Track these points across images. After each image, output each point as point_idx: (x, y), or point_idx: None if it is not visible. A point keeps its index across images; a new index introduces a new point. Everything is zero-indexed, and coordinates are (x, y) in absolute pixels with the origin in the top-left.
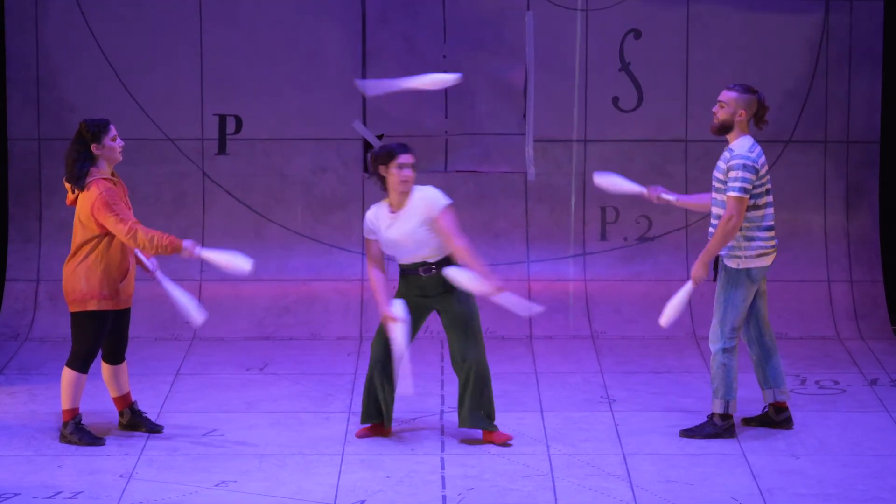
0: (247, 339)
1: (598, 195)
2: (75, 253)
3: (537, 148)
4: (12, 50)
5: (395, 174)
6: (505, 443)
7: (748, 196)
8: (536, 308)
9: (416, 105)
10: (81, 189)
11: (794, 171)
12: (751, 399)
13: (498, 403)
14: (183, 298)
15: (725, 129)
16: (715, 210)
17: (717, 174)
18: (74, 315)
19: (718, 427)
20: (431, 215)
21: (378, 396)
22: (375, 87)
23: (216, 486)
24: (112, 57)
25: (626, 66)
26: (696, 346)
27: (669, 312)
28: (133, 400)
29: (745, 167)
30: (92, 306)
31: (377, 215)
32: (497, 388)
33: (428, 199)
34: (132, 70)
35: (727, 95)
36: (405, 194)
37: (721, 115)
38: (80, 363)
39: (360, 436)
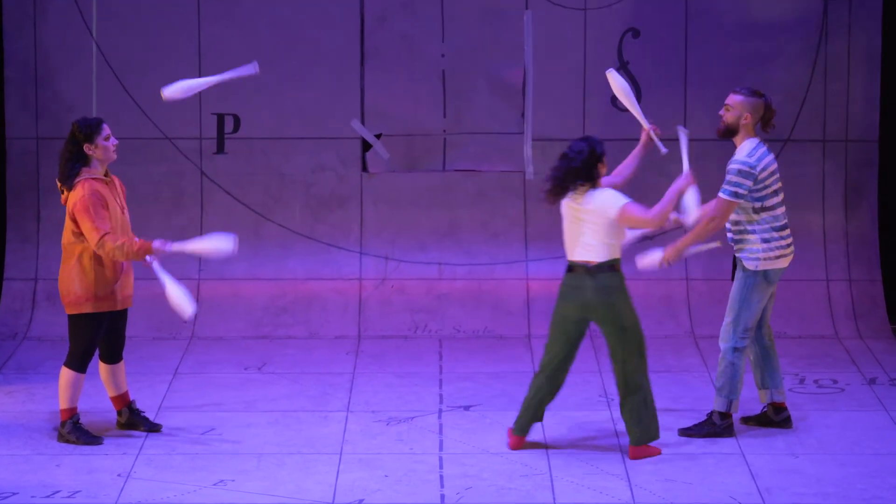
0: (245, 338)
1: None
2: (68, 254)
3: (536, 147)
4: (11, 50)
5: None
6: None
7: (738, 200)
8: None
9: (415, 104)
10: (70, 189)
11: (793, 171)
12: (752, 398)
13: (496, 403)
14: (174, 289)
15: (731, 132)
16: (732, 216)
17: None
18: (70, 317)
19: (717, 426)
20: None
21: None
22: (179, 89)
23: (214, 485)
24: (110, 56)
25: (624, 65)
26: (694, 345)
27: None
28: (131, 399)
29: (739, 172)
30: (87, 309)
31: None
32: (496, 387)
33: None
34: (130, 69)
35: (733, 99)
36: None
37: (727, 118)
38: (78, 363)
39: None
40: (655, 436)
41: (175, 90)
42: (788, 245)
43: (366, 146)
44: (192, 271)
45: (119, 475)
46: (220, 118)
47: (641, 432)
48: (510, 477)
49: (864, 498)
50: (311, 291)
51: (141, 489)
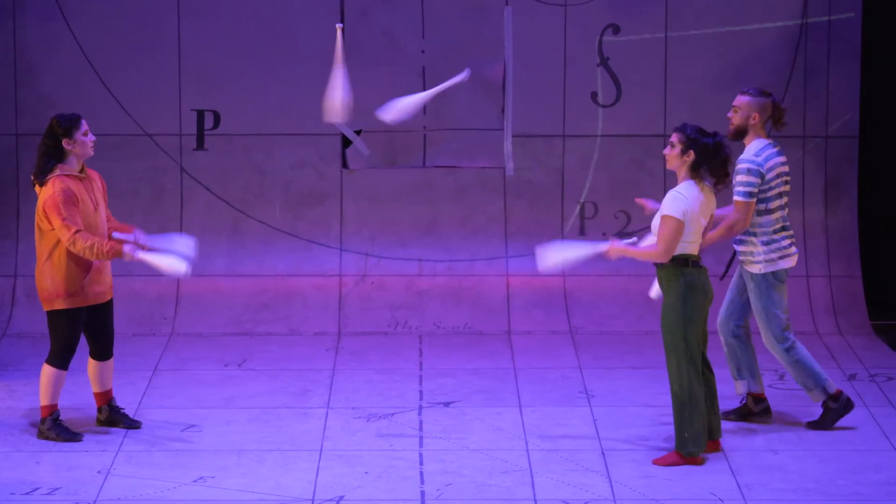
0: (225, 334)
1: (577, 190)
2: (39, 251)
3: (516, 143)
4: None
5: None
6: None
7: (754, 200)
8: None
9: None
10: (42, 185)
11: None
12: (733, 395)
13: (477, 399)
14: (161, 259)
15: (741, 133)
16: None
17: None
18: (47, 313)
19: (836, 409)
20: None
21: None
22: (398, 110)
23: (194, 481)
24: (90, 53)
25: (604, 61)
26: None
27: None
28: (112, 396)
29: (748, 171)
30: (59, 305)
31: None
32: (476, 383)
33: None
34: (110, 66)
35: (740, 100)
36: None
37: (735, 120)
38: (59, 360)
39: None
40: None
41: (395, 111)
42: (790, 245)
43: (346, 142)
44: None
45: (99, 472)
46: (200, 114)
47: (678, 436)
48: (490, 473)
49: (845, 494)
50: (292, 288)
51: (121, 486)
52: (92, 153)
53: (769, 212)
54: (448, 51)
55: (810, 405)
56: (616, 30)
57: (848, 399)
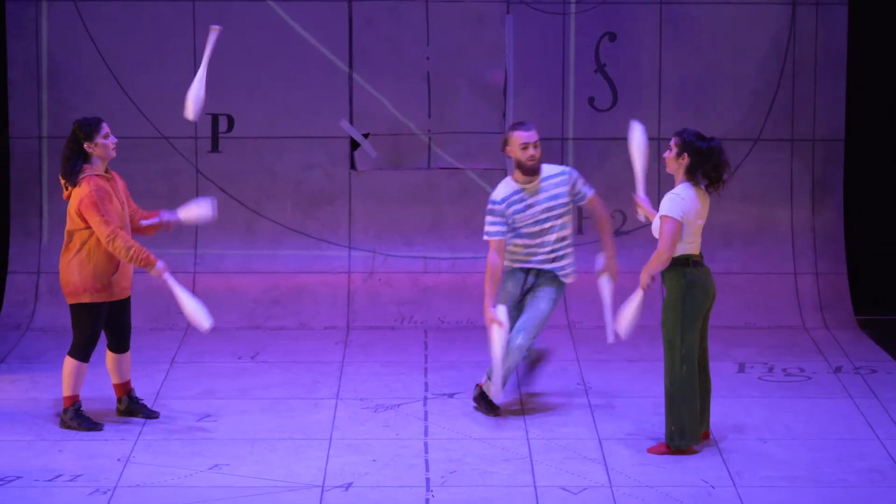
0: (239, 329)
1: None
2: (68, 246)
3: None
4: (14, 52)
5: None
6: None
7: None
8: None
9: (401, 105)
10: (74, 185)
11: (763, 168)
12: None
13: None
14: (191, 303)
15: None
16: (562, 233)
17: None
18: (71, 307)
19: (482, 403)
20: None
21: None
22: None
23: (210, 469)
24: (109, 58)
25: (601, 67)
26: None
27: (625, 322)
28: (131, 387)
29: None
30: (85, 299)
31: None
32: (478, 375)
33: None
34: (128, 71)
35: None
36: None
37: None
38: (81, 352)
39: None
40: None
41: (192, 106)
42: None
43: (354, 145)
44: (189, 265)
45: (118, 460)
46: (215, 118)
47: (667, 428)
48: (492, 461)
49: (831, 481)
50: (302, 284)
51: (139, 473)
52: (114, 154)
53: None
54: (451, 58)
55: (799, 396)
56: (612, 37)
57: (492, 405)
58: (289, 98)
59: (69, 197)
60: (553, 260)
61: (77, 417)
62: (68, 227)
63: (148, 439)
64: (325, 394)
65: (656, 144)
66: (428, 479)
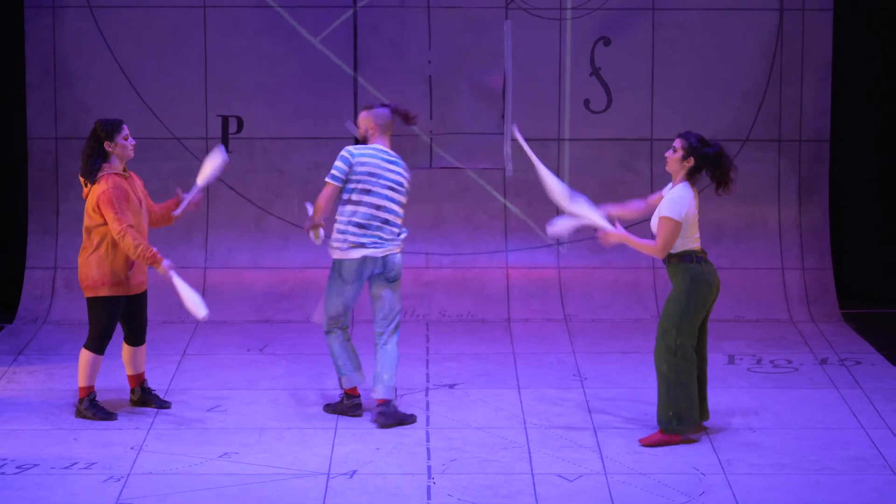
0: (248, 322)
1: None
2: (87, 242)
3: (515, 146)
4: (32, 56)
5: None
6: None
7: (332, 182)
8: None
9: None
10: (93, 183)
11: (751, 168)
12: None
13: (479, 381)
14: (189, 293)
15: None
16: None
17: None
18: (88, 300)
19: (340, 406)
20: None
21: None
22: (565, 227)
23: (220, 457)
24: (123, 62)
25: (596, 71)
26: None
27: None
28: (144, 378)
29: (340, 157)
30: (103, 292)
31: None
32: (478, 367)
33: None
34: (142, 74)
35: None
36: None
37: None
38: (96, 345)
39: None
40: (667, 426)
41: (562, 227)
42: (361, 244)
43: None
44: (199, 261)
45: (132, 448)
46: (225, 120)
47: (663, 414)
48: (491, 450)
49: (816, 468)
50: (309, 279)
51: (152, 461)
52: (132, 155)
53: (350, 202)
54: (452, 61)
55: (787, 387)
56: (607, 42)
57: (355, 406)
58: (296, 101)
59: (88, 195)
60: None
61: (92, 407)
62: (86, 223)
63: (160, 428)
64: (330, 385)
65: (649, 145)
66: (429, 467)
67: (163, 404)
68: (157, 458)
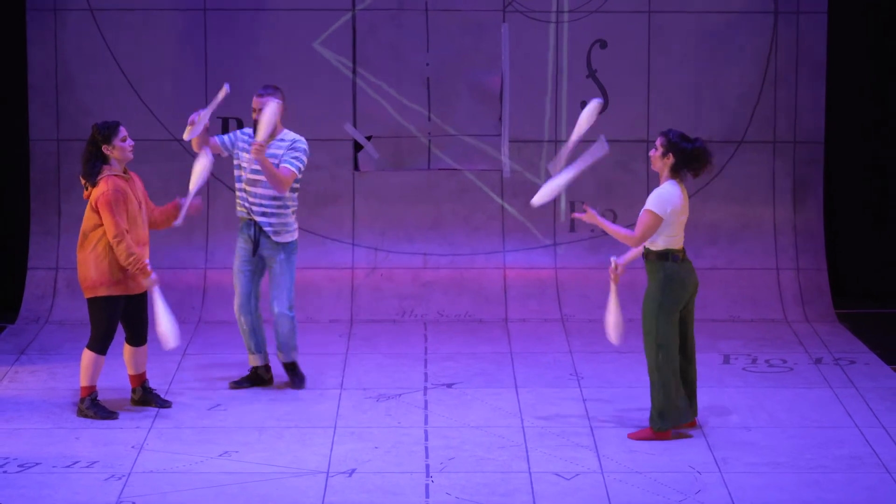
0: None
1: (568, 191)
2: (84, 243)
3: (512, 148)
4: (33, 58)
5: None
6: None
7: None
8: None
9: (402, 109)
10: (94, 185)
11: (746, 169)
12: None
13: (477, 381)
14: (165, 320)
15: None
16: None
17: None
18: (88, 301)
19: (249, 378)
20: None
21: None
22: (547, 193)
23: (220, 456)
24: (124, 65)
25: (592, 73)
26: None
27: (613, 328)
28: (145, 378)
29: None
30: (102, 292)
31: None
32: (476, 367)
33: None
34: (142, 77)
35: None
36: None
37: None
38: (99, 346)
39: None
40: (654, 423)
41: (544, 195)
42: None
43: (357, 147)
44: (200, 261)
45: (133, 447)
46: (225, 121)
47: (652, 414)
48: (489, 448)
49: (811, 467)
50: (308, 279)
51: (153, 460)
52: (131, 157)
53: (296, 190)
54: (450, 64)
55: (782, 386)
56: (603, 44)
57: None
58: (295, 102)
59: (89, 196)
60: (262, 214)
61: (93, 406)
62: (85, 224)
63: (161, 427)
64: (329, 384)
65: (644, 146)
66: (428, 466)
67: (163, 404)
68: (158, 457)
